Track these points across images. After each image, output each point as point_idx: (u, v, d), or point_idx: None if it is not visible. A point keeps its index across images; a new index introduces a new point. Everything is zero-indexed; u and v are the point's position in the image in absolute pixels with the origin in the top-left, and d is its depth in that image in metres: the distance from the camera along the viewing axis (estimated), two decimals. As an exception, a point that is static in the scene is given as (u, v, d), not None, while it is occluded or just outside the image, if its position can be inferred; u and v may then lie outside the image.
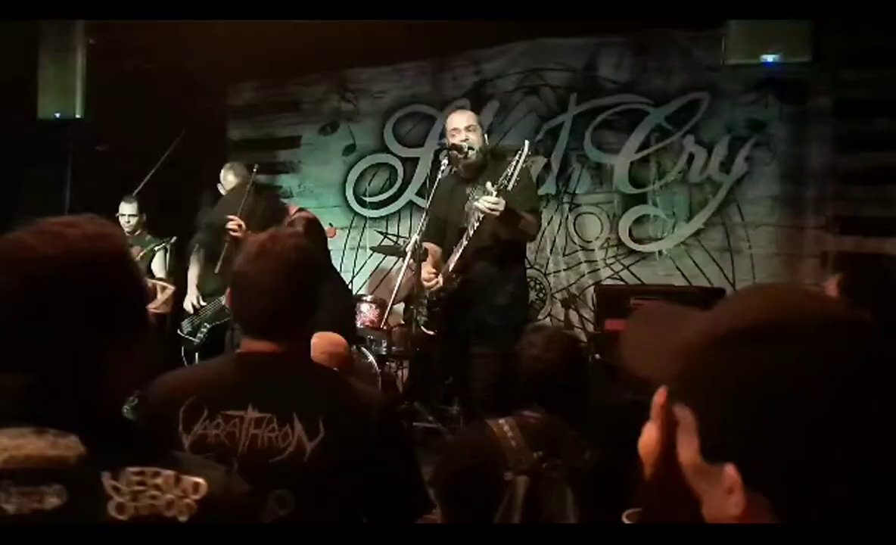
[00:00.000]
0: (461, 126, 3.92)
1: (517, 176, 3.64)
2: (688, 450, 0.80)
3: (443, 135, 6.24)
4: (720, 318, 0.79)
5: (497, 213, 3.59)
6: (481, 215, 3.66)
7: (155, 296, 4.56)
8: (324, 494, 1.61)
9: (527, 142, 3.77)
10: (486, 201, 3.58)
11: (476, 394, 3.83)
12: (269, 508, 1.58)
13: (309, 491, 1.60)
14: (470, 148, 3.88)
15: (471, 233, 3.74)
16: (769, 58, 4.60)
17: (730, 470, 0.74)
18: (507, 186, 3.55)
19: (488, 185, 3.64)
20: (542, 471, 2.11)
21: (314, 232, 4.35)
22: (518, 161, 3.63)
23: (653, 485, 1.13)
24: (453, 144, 3.91)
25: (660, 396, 0.91)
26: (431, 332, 4.04)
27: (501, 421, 2.23)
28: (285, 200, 4.93)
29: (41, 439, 0.99)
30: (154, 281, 4.89)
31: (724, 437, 0.75)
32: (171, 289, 4.76)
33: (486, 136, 4.04)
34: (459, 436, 2.53)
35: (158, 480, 1.00)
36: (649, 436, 1.10)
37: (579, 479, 2.11)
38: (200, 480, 1.02)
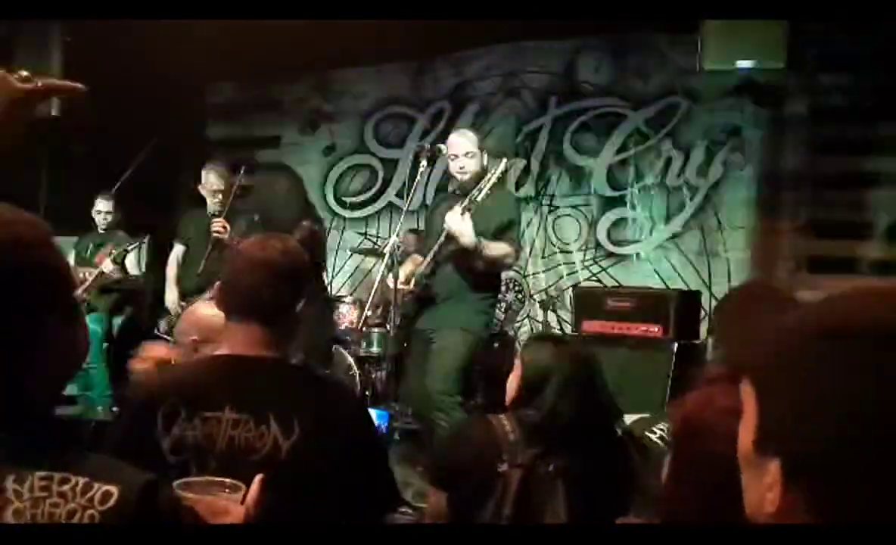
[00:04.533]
0: (460, 153, 3.95)
1: (489, 197, 3.71)
2: (745, 436, 0.80)
3: (423, 136, 6.31)
4: (807, 315, 0.77)
5: (464, 238, 3.66)
6: (448, 230, 3.73)
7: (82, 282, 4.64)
8: (300, 492, 1.64)
9: (504, 161, 3.80)
10: (452, 219, 3.65)
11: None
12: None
13: (286, 489, 1.61)
14: (465, 173, 3.92)
15: (438, 246, 3.82)
16: (745, 63, 4.66)
17: (774, 465, 0.73)
18: (472, 206, 3.59)
19: (457, 206, 3.69)
20: (536, 466, 2.17)
21: (316, 243, 4.51)
22: (485, 184, 3.69)
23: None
24: (437, 145, 3.99)
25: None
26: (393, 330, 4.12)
27: (502, 416, 2.30)
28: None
29: None
30: (79, 268, 5.02)
31: (779, 431, 0.74)
32: (95, 271, 4.83)
33: (484, 157, 4.04)
34: (461, 427, 2.60)
35: (65, 487, 0.96)
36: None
37: (571, 478, 2.17)
38: (113, 489, 0.96)
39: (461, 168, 3.91)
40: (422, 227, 5.19)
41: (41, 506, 0.94)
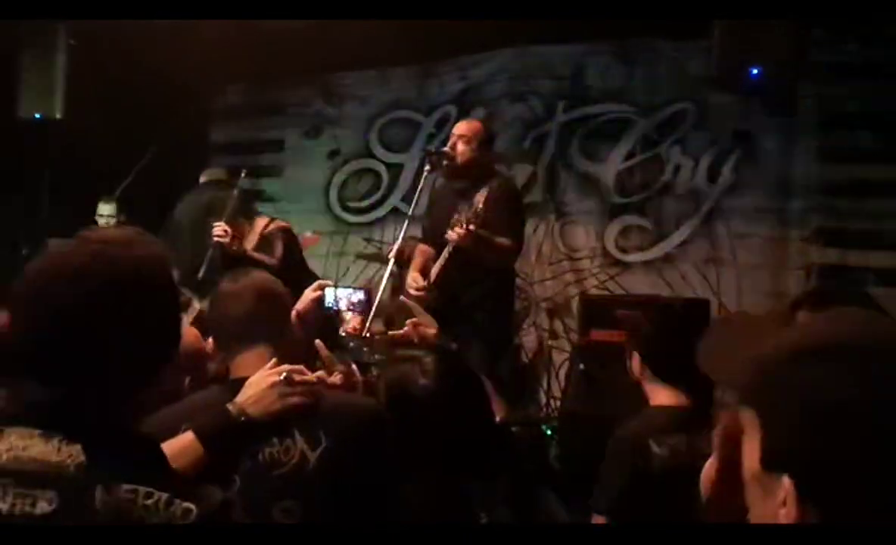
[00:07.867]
0: (456, 132, 3.98)
1: (497, 202, 3.70)
2: (749, 457, 0.83)
3: (428, 140, 6.29)
4: (799, 335, 0.83)
5: (465, 243, 3.64)
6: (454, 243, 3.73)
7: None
8: (327, 499, 1.68)
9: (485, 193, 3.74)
10: (456, 233, 3.64)
11: None
12: (275, 520, 1.65)
13: (313, 498, 1.68)
14: (452, 157, 3.90)
15: (446, 255, 3.80)
16: (755, 70, 4.61)
17: (786, 481, 0.76)
18: (474, 222, 3.59)
19: (462, 217, 3.68)
20: None
21: (291, 240, 4.48)
22: (485, 196, 3.67)
23: (714, 504, 1.21)
24: (443, 150, 3.97)
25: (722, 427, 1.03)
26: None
27: None
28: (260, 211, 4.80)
29: (47, 444, 1.01)
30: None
31: (787, 449, 0.77)
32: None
33: (482, 149, 4.00)
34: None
35: (149, 502, 1.00)
36: (710, 465, 1.21)
37: None
38: (192, 507, 1.01)
39: (453, 147, 3.91)
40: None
41: (126, 518, 0.99)
